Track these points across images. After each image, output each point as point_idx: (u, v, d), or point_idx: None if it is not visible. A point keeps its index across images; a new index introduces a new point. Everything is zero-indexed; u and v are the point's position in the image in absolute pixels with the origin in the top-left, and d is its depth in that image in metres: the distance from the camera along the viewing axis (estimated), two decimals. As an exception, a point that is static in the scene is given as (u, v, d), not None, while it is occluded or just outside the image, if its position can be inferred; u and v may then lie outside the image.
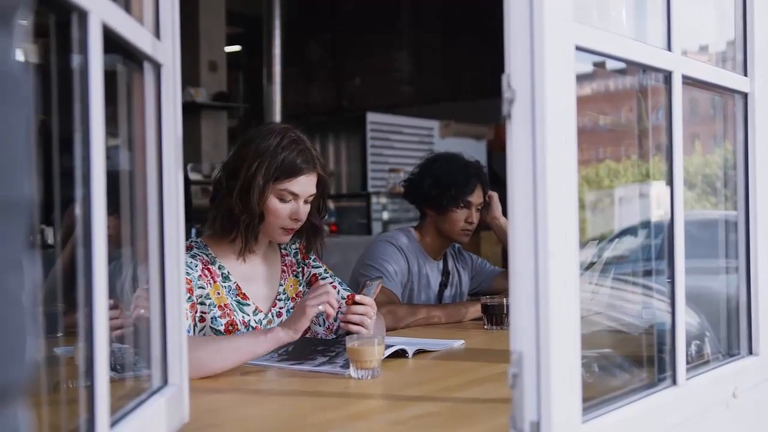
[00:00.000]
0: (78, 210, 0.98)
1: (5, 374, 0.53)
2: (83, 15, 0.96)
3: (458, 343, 2.29)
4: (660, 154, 1.63)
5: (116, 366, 1.28)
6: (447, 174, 2.88)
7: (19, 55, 0.56)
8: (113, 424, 1.05)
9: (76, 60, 0.98)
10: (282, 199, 2.12)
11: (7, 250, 0.53)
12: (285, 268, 2.30)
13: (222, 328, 2.08)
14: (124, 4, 1.16)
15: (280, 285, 2.27)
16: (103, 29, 1.00)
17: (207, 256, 2.15)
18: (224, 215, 2.13)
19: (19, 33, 0.57)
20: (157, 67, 1.30)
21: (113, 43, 1.08)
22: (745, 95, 1.75)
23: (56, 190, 1.01)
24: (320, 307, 1.91)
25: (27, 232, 0.56)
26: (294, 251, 2.34)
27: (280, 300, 2.26)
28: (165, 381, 1.33)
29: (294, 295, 2.29)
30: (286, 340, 1.92)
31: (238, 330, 2.10)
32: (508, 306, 2.58)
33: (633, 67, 1.53)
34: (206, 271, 2.11)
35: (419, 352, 2.11)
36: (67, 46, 0.98)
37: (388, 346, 1.96)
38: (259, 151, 2.09)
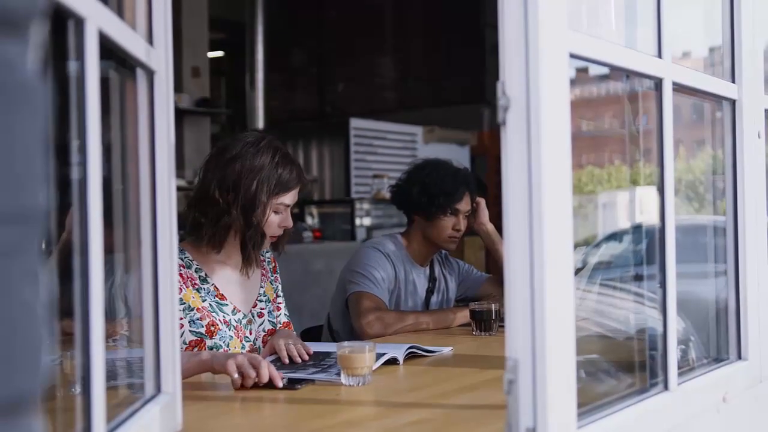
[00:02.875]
0: (72, 217, 0.98)
1: (21, 385, 0.52)
2: (80, 22, 0.96)
3: (447, 350, 2.29)
4: (645, 160, 1.64)
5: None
6: (436, 181, 2.88)
7: (33, 64, 0.56)
8: (109, 433, 1.04)
9: (71, 66, 0.98)
10: (277, 212, 2.20)
11: (23, 260, 0.53)
12: (264, 272, 2.37)
13: (203, 330, 2.12)
14: (117, 11, 1.15)
15: (261, 287, 2.33)
16: (99, 36, 1.00)
17: (182, 260, 2.17)
18: (223, 230, 2.16)
19: (34, 42, 0.56)
20: (150, 73, 1.30)
21: (107, 49, 1.07)
22: (733, 102, 1.77)
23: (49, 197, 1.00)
24: (235, 375, 1.74)
25: (41, 242, 0.56)
26: (267, 260, 2.40)
27: (261, 301, 2.32)
28: (158, 389, 1.32)
29: (272, 299, 2.36)
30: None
31: (219, 330, 2.14)
32: (496, 312, 2.59)
33: (617, 72, 1.53)
34: (179, 276, 2.12)
35: (410, 357, 2.11)
36: (62, 52, 0.97)
37: (379, 354, 1.96)
38: (254, 169, 2.15)
